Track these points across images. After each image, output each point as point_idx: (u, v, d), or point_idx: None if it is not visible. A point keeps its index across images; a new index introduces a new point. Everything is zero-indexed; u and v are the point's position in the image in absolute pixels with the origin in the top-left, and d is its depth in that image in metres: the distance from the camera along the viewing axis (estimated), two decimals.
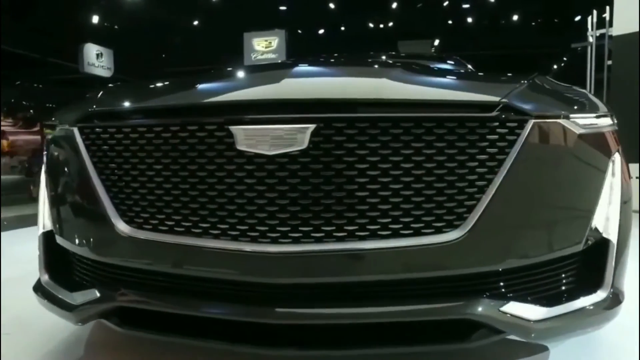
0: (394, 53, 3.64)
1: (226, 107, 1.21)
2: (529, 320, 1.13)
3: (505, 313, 1.13)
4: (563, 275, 1.24)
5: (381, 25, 19.99)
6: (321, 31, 20.47)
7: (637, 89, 5.49)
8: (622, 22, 5.89)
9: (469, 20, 19.14)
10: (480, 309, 1.12)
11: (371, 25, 20.06)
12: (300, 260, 1.11)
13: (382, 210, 1.10)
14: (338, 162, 1.10)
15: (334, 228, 1.11)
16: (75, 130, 1.37)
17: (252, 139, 1.12)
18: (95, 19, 16.56)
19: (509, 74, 1.45)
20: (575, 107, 1.24)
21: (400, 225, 1.11)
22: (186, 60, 19.68)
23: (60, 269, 1.49)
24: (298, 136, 1.09)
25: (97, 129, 1.33)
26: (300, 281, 1.15)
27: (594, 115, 1.24)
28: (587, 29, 7.58)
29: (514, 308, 1.14)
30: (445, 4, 18.29)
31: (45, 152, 1.55)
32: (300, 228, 1.11)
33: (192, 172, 1.19)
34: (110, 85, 1.66)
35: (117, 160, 1.29)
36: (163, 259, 1.24)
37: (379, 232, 1.11)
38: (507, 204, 1.11)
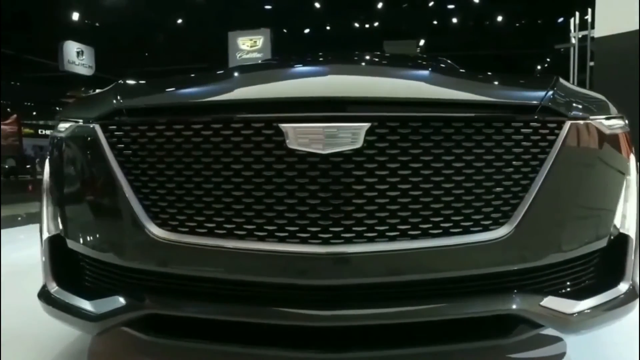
0: (389, 54, 3.67)
1: (275, 104, 1.17)
2: (566, 314, 1.18)
3: (545, 307, 1.17)
4: (589, 270, 1.29)
5: (366, 25, 20.00)
6: (307, 30, 20.38)
7: (619, 90, 5.54)
8: (604, 25, 5.96)
9: (454, 20, 19.28)
10: (523, 304, 1.16)
11: (356, 25, 20.06)
12: (352, 261, 1.10)
13: (434, 209, 1.12)
14: (392, 161, 1.10)
15: (387, 228, 1.10)
16: (97, 128, 1.26)
17: (305, 137, 1.08)
18: (75, 16, 16.20)
19: (526, 76, 1.53)
20: (600, 109, 1.30)
21: (451, 224, 1.12)
22: (170, 59, 19.43)
23: (71, 277, 1.38)
24: (353, 135, 1.08)
25: (125, 126, 1.23)
26: (351, 282, 1.13)
27: (615, 116, 1.31)
28: (569, 31, 7.67)
29: (552, 302, 1.18)
30: (431, 4, 18.38)
31: (49, 152, 1.43)
32: (353, 228, 1.10)
33: (237, 171, 1.13)
34: (120, 81, 1.51)
35: (150, 160, 1.19)
36: (202, 263, 1.17)
37: (430, 231, 1.12)
38: (547, 201, 1.15)
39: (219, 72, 1.81)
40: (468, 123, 1.12)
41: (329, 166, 1.08)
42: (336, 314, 1.12)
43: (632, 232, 1.29)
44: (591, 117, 1.23)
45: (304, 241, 1.10)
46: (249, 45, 16.06)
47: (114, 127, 1.24)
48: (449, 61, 2.61)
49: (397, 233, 1.11)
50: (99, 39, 16.82)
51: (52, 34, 14.70)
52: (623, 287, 1.26)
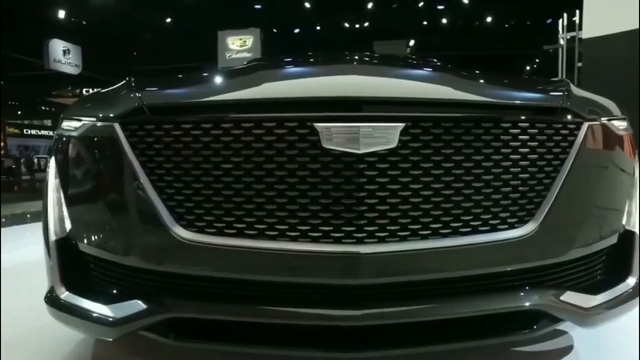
0: (396, 55, 3.66)
1: (309, 104, 1.16)
2: (584, 308, 1.23)
3: (565, 302, 1.22)
4: (601, 266, 1.34)
5: (357, 25, 20.02)
6: (296, 30, 20.33)
7: (607, 90, 5.58)
8: (592, 26, 6.02)
9: (444, 21, 19.38)
10: (546, 299, 1.20)
11: (346, 25, 20.06)
12: (389, 260, 1.11)
13: (465, 207, 1.14)
14: (425, 160, 1.12)
15: (420, 226, 1.12)
16: (117, 127, 1.21)
17: (341, 136, 1.09)
18: (61, 14, 15.96)
19: (540, 79, 1.59)
20: (609, 111, 1.36)
21: (480, 222, 1.16)
22: (158, 59, 19.24)
23: (82, 281, 1.33)
24: (388, 135, 1.09)
25: (148, 125, 1.19)
26: (385, 281, 1.14)
27: (621, 118, 1.38)
28: (558, 32, 7.73)
29: (572, 297, 1.23)
30: (421, 4, 18.46)
31: (56, 152, 1.37)
32: (388, 227, 1.11)
33: (268, 171, 1.12)
34: (128, 78, 1.46)
35: (176, 160, 1.16)
36: (230, 264, 1.15)
37: (461, 230, 1.14)
38: (568, 199, 1.20)
39: (238, 69, 1.80)
40: (496, 124, 1.16)
41: (364, 166, 1.09)
42: (372, 313, 1.12)
43: (636, 229, 1.36)
44: (603, 118, 1.29)
45: (337, 241, 1.10)
46: (239, 45, 15.98)
47: (136, 126, 1.20)
48: (438, 63, 2.62)
49: (429, 232, 1.13)
50: (86, 38, 16.58)
51: (37, 31, 14.45)
52: (631, 281, 1.32)
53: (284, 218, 1.11)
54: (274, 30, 19.36)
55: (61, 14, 15.97)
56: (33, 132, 32.03)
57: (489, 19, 19.21)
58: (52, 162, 1.39)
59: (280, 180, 1.11)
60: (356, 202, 1.09)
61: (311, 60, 1.97)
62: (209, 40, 15.76)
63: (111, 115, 1.24)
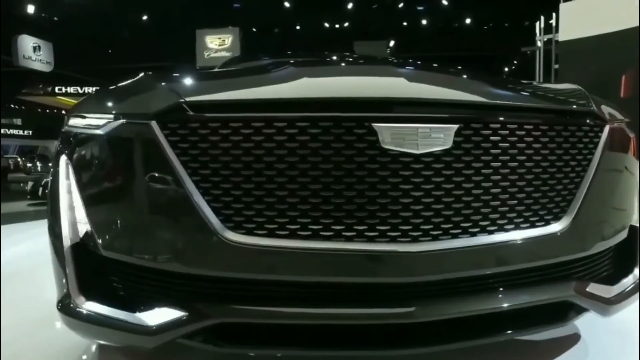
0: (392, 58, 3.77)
1: (366, 104, 1.17)
2: (605, 298, 1.32)
3: (591, 293, 1.30)
4: (612, 259, 1.44)
5: (337, 25, 19.98)
6: (276, 30, 20.16)
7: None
8: (567, 29, 6.10)
9: (424, 22, 19.52)
10: (574, 290, 1.28)
11: (327, 24, 20.01)
12: (441, 257, 1.14)
13: (510, 205, 1.20)
14: (476, 160, 1.16)
15: (470, 224, 1.16)
16: (154, 125, 1.15)
17: (400, 137, 1.11)
18: (31, 9, 15.40)
19: (556, 85, 1.68)
20: (618, 115, 1.44)
21: (522, 219, 1.22)
22: (135, 57, 18.80)
23: (106, 288, 1.26)
24: (444, 136, 1.13)
25: (192, 124, 1.14)
26: (439, 278, 1.17)
27: (629, 121, 1.48)
28: (535, 34, 7.81)
29: (595, 288, 1.31)
30: (401, 5, 18.54)
31: (70, 151, 1.29)
32: (442, 226, 1.14)
33: (325, 170, 1.11)
34: (146, 73, 1.41)
35: (224, 160, 1.12)
36: (282, 266, 1.14)
37: (506, 227, 1.20)
38: (594, 197, 1.29)
39: (265, 65, 1.81)
40: (536, 126, 1.23)
41: (421, 166, 1.12)
42: (428, 310, 1.15)
43: (638, 224, 1.49)
44: (616, 121, 1.39)
45: (394, 240, 1.12)
46: (218, 44, 15.78)
47: (177, 124, 1.14)
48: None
49: (478, 229, 1.17)
50: (59, 34, 16.05)
51: (4, 27, 13.88)
52: (637, 273, 1.43)
53: (341, 218, 1.11)
54: (254, 30, 19.17)
55: (31, 9, 15.40)
56: (2, 131, 30.87)
57: (468, 21, 19.44)
58: (63, 162, 1.30)
59: (337, 180, 1.11)
60: (413, 201, 1.12)
61: (338, 59, 2.01)
62: (187, 39, 15.48)
63: (147, 112, 1.17)
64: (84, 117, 1.29)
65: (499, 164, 1.18)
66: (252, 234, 1.12)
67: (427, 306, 1.15)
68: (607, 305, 1.32)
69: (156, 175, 1.15)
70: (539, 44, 7.72)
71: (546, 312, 1.30)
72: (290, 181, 1.11)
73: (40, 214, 7.22)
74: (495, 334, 1.27)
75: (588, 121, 1.31)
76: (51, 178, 1.39)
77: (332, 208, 1.11)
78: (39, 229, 1.81)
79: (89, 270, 1.26)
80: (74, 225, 1.26)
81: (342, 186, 1.10)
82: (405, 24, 19.74)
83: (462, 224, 1.16)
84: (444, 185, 1.13)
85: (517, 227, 1.21)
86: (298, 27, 20.14)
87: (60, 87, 19.28)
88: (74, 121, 1.32)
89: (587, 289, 1.30)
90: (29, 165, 18.00)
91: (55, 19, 16.91)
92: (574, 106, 1.36)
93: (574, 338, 1.64)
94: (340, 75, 1.52)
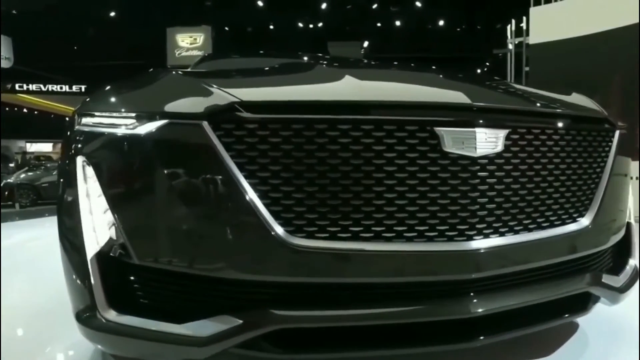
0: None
1: (427, 108, 1.21)
2: (616, 287, 1.44)
3: (606, 283, 1.41)
4: (613, 252, 1.57)
5: (310, 25, 19.90)
6: (249, 29, 19.92)
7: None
8: (538, 33, 6.21)
9: (398, 24, 19.68)
10: (593, 282, 1.39)
11: (300, 25, 19.90)
12: (494, 255, 1.20)
13: (549, 204, 1.31)
14: (522, 163, 1.25)
15: (515, 223, 1.25)
16: (205, 125, 1.10)
17: (460, 141, 1.16)
18: None
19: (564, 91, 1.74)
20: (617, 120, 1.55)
21: (557, 217, 1.32)
22: (102, 54, 18.20)
23: (139, 300, 1.20)
24: (497, 139, 1.20)
25: (249, 124, 1.11)
26: (492, 274, 1.22)
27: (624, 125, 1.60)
28: (506, 37, 7.93)
29: (607, 279, 1.43)
30: (375, 6, 18.63)
31: (92, 152, 1.21)
32: (494, 224, 1.21)
33: (389, 173, 1.14)
34: (168, 69, 1.32)
35: (284, 162, 1.10)
36: (345, 268, 1.14)
37: (543, 224, 1.30)
38: (609, 195, 1.41)
39: (306, 63, 1.91)
40: (567, 131, 1.35)
41: (477, 168, 1.18)
42: (488, 304, 1.20)
43: (632, 220, 1.64)
44: (619, 126, 1.51)
45: (451, 239, 1.17)
46: (189, 43, 15.48)
47: (232, 125, 1.11)
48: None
49: (522, 227, 1.26)
50: (19, 29, 15.35)
51: None
52: (632, 263, 1.57)
53: (404, 220, 1.14)
54: (226, 28, 18.87)
55: None
56: None
57: (441, 23, 19.71)
58: (80, 164, 1.21)
59: (400, 182, 1.13)
60: (470, 201, 1.17)
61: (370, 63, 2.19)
62: (157, 37, 15.10)
63: (197, 112, 1.13)
64: (107, 117, 1.22)
65: (540, 166, 1.28)
66: (313, 238, 1.11)
67: (481, 302, 1.20)
68: (618, 293, 1.44)
69: (209, 178, 1.10)
70: (510, 46, 7.84)
71: (569, 303, 1.40)
72: (352, 184, 1.12)
73: (8, 215, 6.86)
74: (530, 325, 1.33)
75: (605, 126, 1.46)
76: (62, 182, 1.31)
77: (396, 210, 1.13)
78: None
79: (119, 281, 1.18)
80: (98, 232, 1.17)
81: (404, 188, 1.14)
82: (379, 25, 19.84)
83: (510, 223, 1.24)
84: (496, 187, 1.21)
85: (553, 224, 1.32)
86: (271, 27, 19.94)
87: (21, 85, 18.43)
88: (90, 120, 1.25)
89: (602, 280, 1.41)
90: None
91: (14, 12, 16.15)
92: (596, 113, 1.49)
93: (573, 329, 1.71)
94: (386, 79, 1.57)
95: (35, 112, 23.06)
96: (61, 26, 17.18)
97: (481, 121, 1.19)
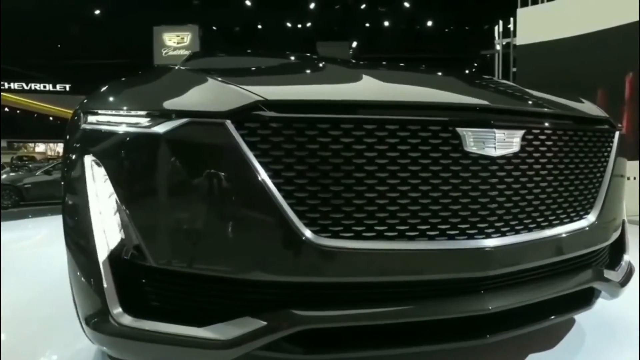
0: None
1: (450, 109, 1.23)
2: (616, 282, 1.48)
3: (607, 278, 1.46)
4: (611, 248, 1.63)
5: (299, 25, 19.85)
6: (237, 28, 19.79)
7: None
8: (525, 34, 6.26)
9: (387, 24, 19.73)
10: (596, 277, 1.43)
11: (289, 24, 19.84)
12: (509, 252, 1.23)
13: (559, 202, 1.35)
14: (535, 162, 1.29)
15: (530, 220, 1.28)
16: (229, 124, 1.08)
17: (480, 141, 1.18)
18: None
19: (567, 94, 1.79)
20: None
21: (566, 214, 1.37)
22: (87, 53, 17.92)
23: (155, 303, 1.17)
24: (514, 140, 1.23)
25: (275, 123, 1.10)
26: (508, 270, 1.24)
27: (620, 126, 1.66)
28: (494, 38, 7.99)
29: (608, 274, 1.48)
30: (363, 7, 18.65)
31: (109, 152, 1.17)
32: (510, 222, 1.24)
33: (413, 172, 1.15)
34: (179, 66, 1.34)
35: (310, 161, 1.09)
36: (369, 268, 1.15)
37: (554, 222, 1.34)
38: (611, 193, 1.47)
39: (323, 63, 1.94)
40: (575, 132, 1.39)
41: (496, 167, 1.21)
42: (504, 300, 1.24)
43: (625, 218, 1.70)
44: (619, 127, 1.57)
45: (471, 237, 1.19)
46: (176, 42, 15.32)
47: (257, 124, 1.09)
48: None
49: (535, 225, 1.30)
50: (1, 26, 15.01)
51: None
52: (626, 258, 1.64)
53: (427, 218, 1.15)
54: (214, 28, 18.72)
55: None
56: None
57: (429, 23, 19.81)
58: (89, 164, 1.17)
59: (424, 181, 1.15)
60: (490, 200, 1.21)
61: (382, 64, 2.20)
62: (143, 36, 14.91)
63: (220, 111, 1.10)
64: (120, 115, 1.19)
65: (551, 165, 1.32)
66: (338, 237, 1.11)
67: (498, 298, 1.23)
68: (619, 288, 1.49)
69: (233, 178, 1.09)
70: (498, 47, 7.90)
71: (574, 298, 1.43)
72: (377, 183, 1.12)
73: None
74: (539, 320, 1.36)
75: (607, 127, 1.51)
76: (67, 182, 1.27)
77: (420, 209, 1.15)
78: None
79: (133, 283, 1.16)
80: (110, 234, 1.14)
81: (427, 187, 1.15)
82: (367, 25, 19.87)
83: (525, 221, 1.27)
84: (513, 185, 1.24)
85: (562, 222, 1.36)
86: (259, 27, 19.84)
87: (2, 83, 18.04)
88: (99, 118, 1.21)
89: (604, 275, 1.46)
90: None
91: None
92: (599, 114, 1.54)
93: (570, 325, 1.76)
94: (402, 81, 1.58)
95: (18, 112, 22.62)
96: (45, 23, 16.86)
97: (500, 122, 1.22)
